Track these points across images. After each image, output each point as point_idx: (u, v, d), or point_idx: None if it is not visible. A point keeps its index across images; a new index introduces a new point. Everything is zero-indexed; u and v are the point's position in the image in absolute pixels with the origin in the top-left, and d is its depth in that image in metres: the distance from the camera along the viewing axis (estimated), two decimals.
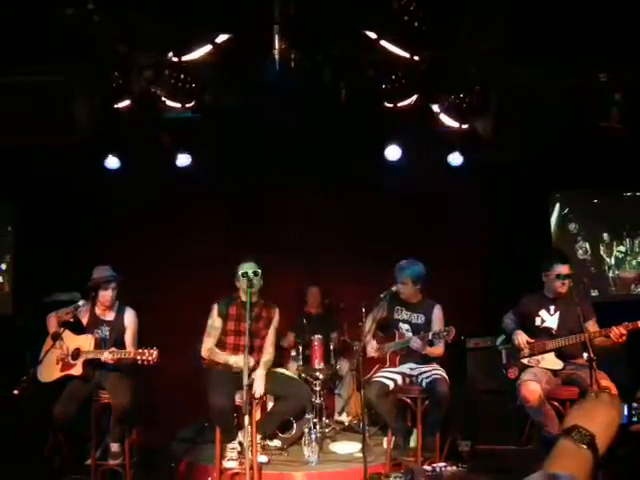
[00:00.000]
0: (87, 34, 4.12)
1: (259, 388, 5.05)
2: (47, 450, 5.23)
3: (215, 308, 5.36)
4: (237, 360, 5.04)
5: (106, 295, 5.28)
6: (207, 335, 5.33)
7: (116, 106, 4.76)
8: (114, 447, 5.15)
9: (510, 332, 5.14)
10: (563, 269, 4.99)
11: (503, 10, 4.23)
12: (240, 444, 5.10)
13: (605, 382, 4.41)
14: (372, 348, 5.52)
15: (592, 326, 4.79)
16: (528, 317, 5.14)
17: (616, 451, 1.52)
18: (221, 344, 5.31)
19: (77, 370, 5.03)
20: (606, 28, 4.48)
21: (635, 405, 1.41)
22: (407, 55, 4.33)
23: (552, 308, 5.08)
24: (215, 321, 5.33)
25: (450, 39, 4.36)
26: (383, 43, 4.23)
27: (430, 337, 5.17)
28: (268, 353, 5.37)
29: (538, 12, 4.31)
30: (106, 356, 4.96)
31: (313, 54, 4.77)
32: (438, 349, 5.32)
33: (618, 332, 4.55)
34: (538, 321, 5.08)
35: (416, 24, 3.88)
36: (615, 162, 6.77)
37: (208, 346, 5.29)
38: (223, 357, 5.20)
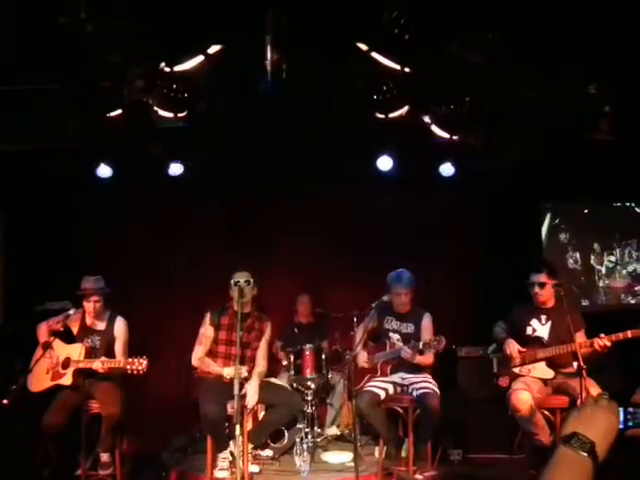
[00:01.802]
0: (79, 43, 4.13)
1: (252, 399, 5.02)
2: (37, 460, 5.18)
3: (208, 316, 5.34)
4: (230, 372, 5.02)
5: (89, 307, 5.25)
6: (198, 343, 5.32)
7: (108, 115, 4.77)
8: (104, 457, 5.11)
9: (501, 341, 5.14)
10: (537, 277, 5.02)
11: (493, 21, 4.26)
12: (231, 454, 5.09)
13: (595, 390, 4.42)
14: (363, 358, 5.52)
15: (580, 337, 4.80)
16: (519, 326, 5.14)
17: (616, 458, 1.51)
18: (213, 353, 5.29)
19: (67, 380, 5.00)
20: (595, 41, 4.53)
21: (631, 410, 1.42)
22: (398, 67, 4.36)
23: (544, 318, 5.09)
24: (207, 330, 5.31)
25: (440, 50, 4.39)
26: (374, 55, 4.26)
27: (420, 347, 5.17)
28: (261, 365, 5.35)
29: (528, 24, 4.35)
30: (97, 365, 4.94)
31: (305, 65, 4.79)
32: (428, 358, 5.31)
33: (602, 344, 4.58)
34: (529, 330, 5.09)
35: (406, 36, 3.91)
36: (605, 173, 6.82)
37: (199, 355, 5.27)
38: (215, 368, 5.18)
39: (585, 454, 1.36)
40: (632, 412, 1.45)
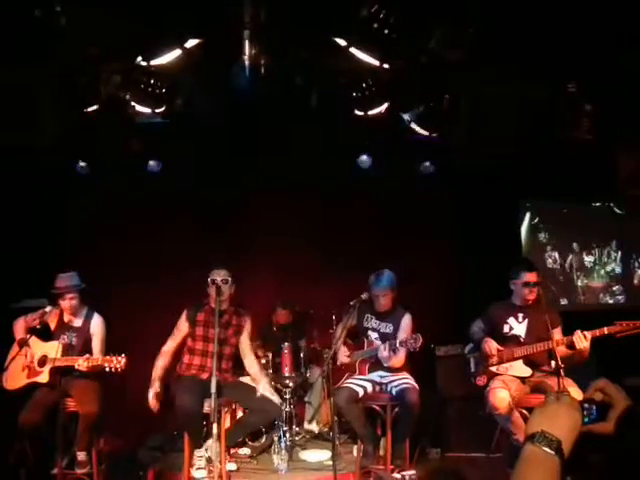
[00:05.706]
0: (55, 37, 4.08)
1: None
2: (12, 459, 5.11)
3: (185, 312, 5.31)
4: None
5: (65, 304, 5.20)
6: (170, 336, 5.30)
7: (84, 110, 4.72)
8: (81, 456, 5.05)
9: (478, 340, 5.14)
10: (531, 277, 5.02)
11: (473, 19, 4.26)
12: (208, 458, 5.02)
13: (573, 388, 4.43)
14: (344, 352, 5.50)
15: (557, 334, 4.82)
16: (496, 325, 5.15)
17: (586, 456, 1.51)
18: (190, 350, 5.26)
19: (43, 377, 4.94)
20: (576, 39, 4.54)
21: (586, 405, 1.42)
22: (377, 63, 4.35)
23: (520, 316, 5.10)
24: (182, 325, 5.29)
25: (420, 48, 4.39)
26: (353, 50, 4.24)
27: (397, 345, 5.15)
28: (254, 364, 5.37)
29: (508, 22, 4.35)
30: (80, 363, 4.87)
31: (283, 60, 4.77)
32: (397, 358, 5.25)
33: (582, 335, 4.60)
34: (506, 329, 5.10)
35: (386, 32, 3.90)
36: (584, 172, 6.86)
37: (165, 348, 5.25)
38: (155, 372, 5.17)
39: (552, 452, 1.36)
40: (587, 408, 1.45)
